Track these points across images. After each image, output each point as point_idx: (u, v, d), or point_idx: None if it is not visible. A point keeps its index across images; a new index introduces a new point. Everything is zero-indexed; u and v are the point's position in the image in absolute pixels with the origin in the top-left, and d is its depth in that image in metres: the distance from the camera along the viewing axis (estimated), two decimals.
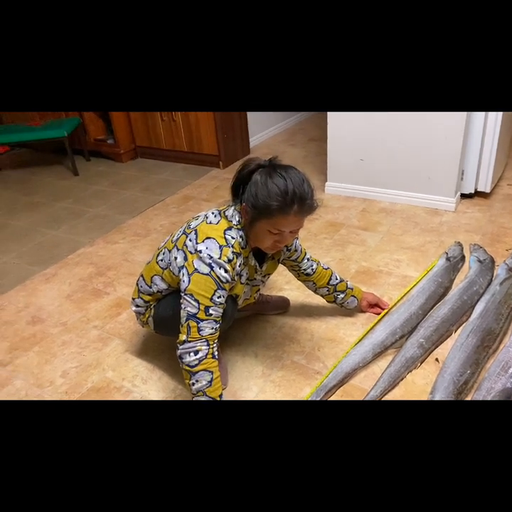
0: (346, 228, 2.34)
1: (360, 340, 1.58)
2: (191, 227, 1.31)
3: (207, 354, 1.21)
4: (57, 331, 1.79)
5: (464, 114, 2.18)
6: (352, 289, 1.68)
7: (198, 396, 1.22)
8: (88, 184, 3.28)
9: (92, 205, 2.92)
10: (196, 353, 1.20)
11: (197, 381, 1.21)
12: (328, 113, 2.53)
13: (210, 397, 1.22)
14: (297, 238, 1.53)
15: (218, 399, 1.23)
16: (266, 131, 3.95)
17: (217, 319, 1.24)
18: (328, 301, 1.70)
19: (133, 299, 1.51)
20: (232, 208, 1.30)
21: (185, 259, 1.25)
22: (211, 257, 1.20)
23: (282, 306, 1.77)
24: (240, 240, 1.26)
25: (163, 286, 1.39)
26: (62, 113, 3.70)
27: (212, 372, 1.22)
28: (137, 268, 2.15)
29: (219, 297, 1.22)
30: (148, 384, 1.50)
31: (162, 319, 1.42)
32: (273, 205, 1.16)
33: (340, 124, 2.52)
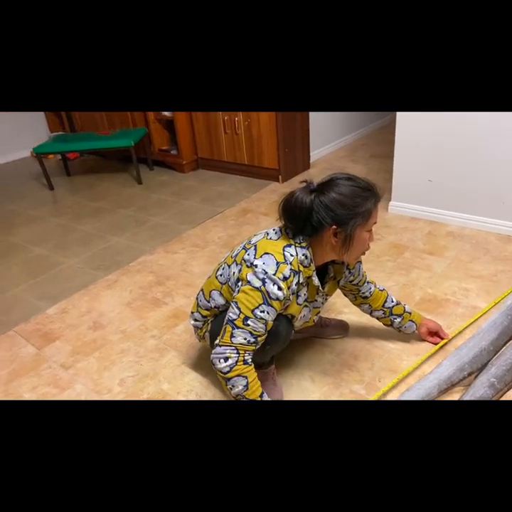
0: (411, 251, 2.25)
1: (414, 368, 1.48)
2: (251, 242, 1.31)
3: (237, 361, 1.21)
4: (117, 338, 1.83)
5: None
6: (410, 313, 1.61)
7: (239, 399, 1.24)
8: (151, 193, 3.37)
9: (154, 214, 2.99)
10: (226, 359, 1.21)
11: (233, 386, 1.22)
12: (397, 129, 2.45)
13: (249, 399, 1.23)
14: (361, 262, 1.48)
15: (260, 399, 1.24)
16: (326, 146, 3.90)
17: (255, 333, 1.21)
18: (384, 325, 1.63)
19: (192, 312, 1.52)
20: (288, 228, 1.28)
21: (241, 272, 1.26)
22: (266, 273, 1.19)
23: (341, 330, 1.71)
24: (303, 258, 1.23)
25: (221, 301, 1.38)
26: (130, 123, 3.85)
27: (246, 377, 1.22)
28: (194, 280, 2.17)
29: (262, 312, 1.20)
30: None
31: (218, 335, 1.42)
32: (367, 203, 1.18)
33: (408, 141, 2.43)
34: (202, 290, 1.47)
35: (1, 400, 1.51)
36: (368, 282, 1.55)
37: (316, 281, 1.29)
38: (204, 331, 1.48)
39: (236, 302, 1.22)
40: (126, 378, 1.61)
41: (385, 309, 1.57)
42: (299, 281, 1.24)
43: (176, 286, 2.14)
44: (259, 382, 1.26)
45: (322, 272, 1.34)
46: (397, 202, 2.63)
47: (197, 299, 1.50)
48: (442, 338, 1.63)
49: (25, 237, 2.83)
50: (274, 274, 1.19)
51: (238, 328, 1.21)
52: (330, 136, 3.93)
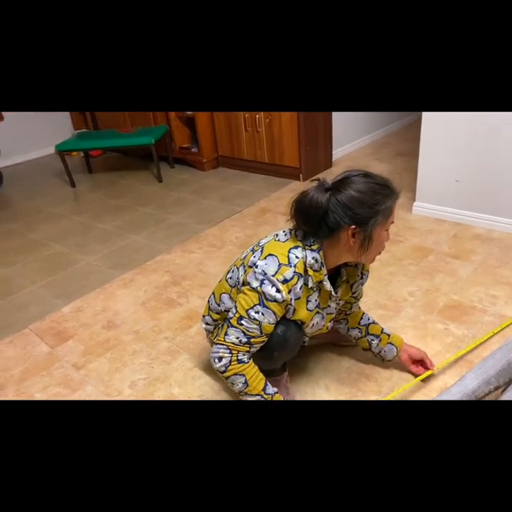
0: (435, 254, 2.15)
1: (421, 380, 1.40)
2: (260, 244, 1.27)
3: (231, 361, 1.19)
4: (130, 338, 1.80)
5: None
6: (389, 335, 1.47)
7: (242, 396, 1.25)
8: (170, 191, 3.36)
9: (172, 212, 2.97)
10: (219, 359, 1.20)
11: (233, 384, 1.23)
12: (422, 127, 2.35)
13: (252, 394, 1.23)
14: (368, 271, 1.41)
15: (263, 393, 1.24)
16: (350, 143, 3.80)
17: (248, 333, 1.18)
18: (363, 349, 1.51)
19: (203, 315, 1.48)
20: (299, 230, 1.22)
21: (245, 274, 1.23)
22: (265, 274, 1.15)
23: None
24: (313, 261, 1.16)
25: (230, 305, 1.33)
26: (152, 121, 3.85)
27: (243, 375, 1.21)
28: (210, 280, 2.13)
29: (257, 313, 1.16)
30: None
31: None
32: (387, 200, 1.13)
33: (434, 139, 2.33)
34: (213, 293, 1.43)
35: (6, 400, 1.51)
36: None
37: (328, 286, 1.22)
38: (215, 334, 1.44)
39: (235, 302, 1.22)
40: (137, 381, 1.58)
41: (361, 327, 1.48)
42: (305, 284, 1.18)
43: (191, 287, 2.10)
44: (260, 376, 1.24)
45: (334, 275, 1.28)
46: (421, 203, 2.53)
47: (208, 302, 1.46)
48: (427, 369, 1.44)
49: (46, 234, 2.85)
50: (274, 276, 1.14)
51: (232, 326, 1.20)
52: (354, 134, 3.83)
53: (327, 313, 1.33)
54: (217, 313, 1.41)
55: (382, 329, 1.48)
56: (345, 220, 1.12)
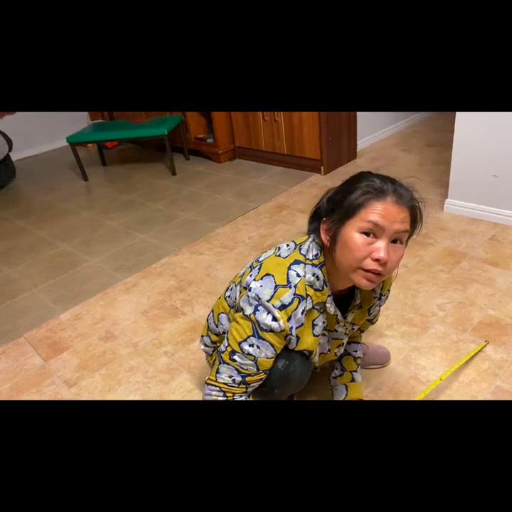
0: (469, 260, 1.91)
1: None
2: (259, 260, 1.07)
3: None
4: (127, 352, 1.66)
5: None
6: (354, 381, 1.25)
7: None
8: (184, 185, 3.19)
9: (184, 209, 2.81)
10: None
11: None
12: (457, 116, 2.10)
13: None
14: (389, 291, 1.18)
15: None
16: (376, 133, 3.54)
17: (243, 371, 0.99)
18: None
19: (202, 336, 1.32)
20: (310, 239, 1.02)
21: (240, 294, 1.06)
22: (259, 299, 0.95)
23: (380, 359, 1.44)
24: (314, 279, 0.97)
25: (228, 327, 1.16)
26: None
27: None
28: (218, 286, 1.96)
29: (251, 346, 0.97)
30: None
31: None
32: (359, 193, 0.87)
33: (470, 131, 2.07)
34: (212, 311, 1.26)
35: None
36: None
37: (332, 309, 1.01)
38: (214, 358, 1.27)
39: (227, 333, 1.05)
40: None
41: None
42: (306, 308, 0.98)
43: (197, 294, 1.94)
44: None
45: (348, 297, 1.07)
46: (454, 200, 2.28)
47: (207, 320, 1.29)
48: None
49: (53, 231, 2.74)
50: (269, 301, 0.94)
51: (224, 363, 1.01)
52: (380, 123, 3.56)
53: (333, 338, 1.13)
54: (216, 334, 1.24)
55: (353, 372, 1.26)
56: (326, 208, 0.97)
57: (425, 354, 1.46)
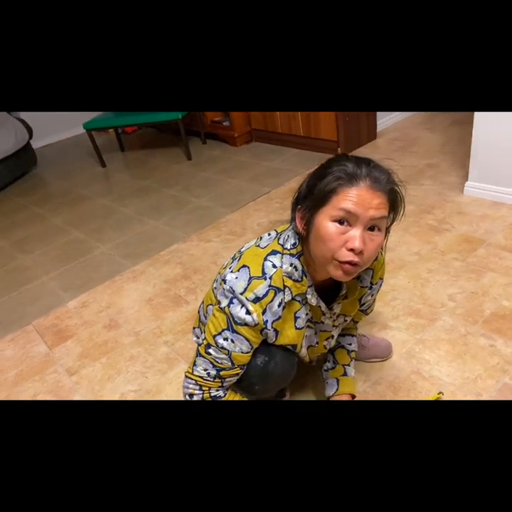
0: (486, 247, 1.80)
1: None
2: (241, 251, 1.03)
3: (203, 398, 1.02)
4: (129, 341, 1.66)
5: None
6: (346, 375, 1.18)
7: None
8: (198, 170, 3.16)
9: (197, 195, 2.78)
10: (191, 396, 1.02)
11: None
12: None
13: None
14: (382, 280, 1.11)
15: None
16: (397, 111, 3.38)
17: (217, 365, 0.97)
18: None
19: (194, 328, 1.30)
20: (289, 228, 0.97)
21: (219, 286, 1.01)
22: (233, 291, 0.91)
23: (381, 352, 1.38)
24: (292, 269, 0.92)
25: None
26: None
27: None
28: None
29: (225, 339, 0.94)
30: None
31: None
32: (330, 178, 0.81)
33: None
34: (203, 303, 1.23)
35: None
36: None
37: (313, 301, 0.96)
38: None
39: (205, 326, 1.02)
40: (127, 393, 1.44)
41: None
42: (285, 300, 0.93)
43: (201, 282, 1.92)
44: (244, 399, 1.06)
45: (335, 287, 1.01)
46: (475, 182, 2.14)
47: (199, 312, 1.27)
48: None
49: (68, 218, 2.78)
50: (242, 294, 0.90)
51: (200, 356, 0.99)
52: None
53: (321, 331, 1.08)
54: (205, 325, 1.21)
55: (346, 365, 1.20)
56: (300, 194, 0.91)
57: (430, 347, 1.39)
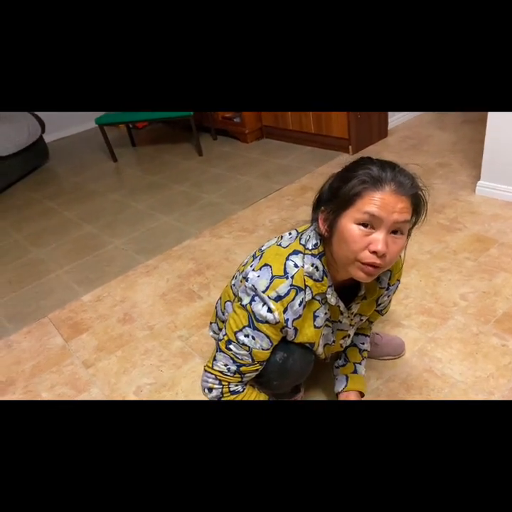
0: (499, 247, 1.81)
1: None
2: (262, 249, 1.05)
3: (222, 392, 1.02)
4: (143, 335, 1.69)
5: None
6: (356, 372, 1.21)
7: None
8: (209, 166, 3.18)
9: (207, 191, 2.80)
10: (210, 390, 1.03)
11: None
12: None
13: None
14: (399, 281, 1.13)
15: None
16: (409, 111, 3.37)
17: (237, 361, 0.98)
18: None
19: (210, 323, 1.32)
20: (311, 228, 0.99)
21: (240, 283, 1.04)
22: (255, 289, 0.94)
23: (394, 350, 1.40)
24: (313, 269, 0.94)
25: None
26: None
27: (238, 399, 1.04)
28: (235, 270, 1.95)
29: (246, 336, 0.96)
30: None
31: None
32: (356, 182, 0.82)
33: None
34: (220, 298, 1.26)
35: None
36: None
37: (333, 300, 0.98)
38: None
39: (226, 321, 1.04)
40: (143, 386, 1.47)
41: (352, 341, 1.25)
42: (306, 299, 0.95)
43: (214, 278, 1.94)
44: (261, 396, 1.07)
45: (354, 287, 1.03)
46: (487, 182, 2.15)
47: (216, 307, 1.29)
48: None
49: (81, 212, 2.81)
50: (265, 292, 0.92)
51: (221, 351, 1.01)
52: None
53: (338, 329, 1.10)
54: (222, 322, 1.24)
55: (356, 363, 1.22)
56: (324, 197, 0.93)
57: (442, 346, 1.40)
